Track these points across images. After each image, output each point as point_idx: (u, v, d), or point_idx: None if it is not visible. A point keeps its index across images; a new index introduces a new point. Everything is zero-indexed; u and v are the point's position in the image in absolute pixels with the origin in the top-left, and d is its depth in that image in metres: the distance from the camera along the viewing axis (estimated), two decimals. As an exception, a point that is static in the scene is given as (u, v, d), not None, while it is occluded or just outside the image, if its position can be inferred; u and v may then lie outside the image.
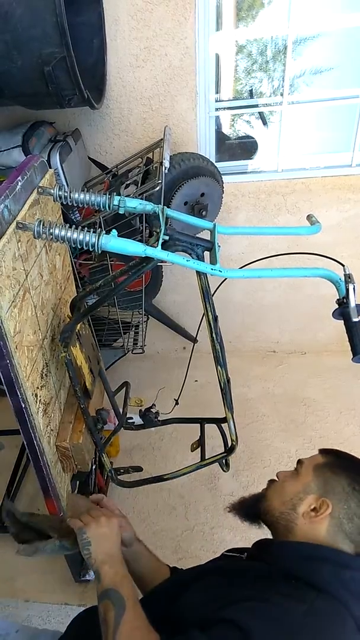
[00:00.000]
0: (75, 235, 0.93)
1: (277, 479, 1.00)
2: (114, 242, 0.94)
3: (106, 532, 0.90)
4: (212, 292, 1.13)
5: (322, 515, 0.86)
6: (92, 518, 0.91)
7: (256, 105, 2.29)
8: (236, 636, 0.69)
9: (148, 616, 0.79)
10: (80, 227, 0.95)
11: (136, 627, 0.78)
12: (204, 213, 1.78)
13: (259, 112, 2.36)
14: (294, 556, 0.86)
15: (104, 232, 0.93)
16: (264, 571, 0.87)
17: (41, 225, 0.92)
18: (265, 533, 0.95)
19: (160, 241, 0.97)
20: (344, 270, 1.01)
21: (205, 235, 1.10)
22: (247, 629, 0.69)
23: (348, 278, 0.98)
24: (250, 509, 1.01)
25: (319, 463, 0.95)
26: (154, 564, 1.06)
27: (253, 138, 2.49)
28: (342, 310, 0.98)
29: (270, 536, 0.96)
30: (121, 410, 1.49)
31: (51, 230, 0.93)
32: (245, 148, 2.53)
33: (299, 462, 0.98)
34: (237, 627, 0.70)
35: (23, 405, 1.03)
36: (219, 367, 1.25)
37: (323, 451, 0.99)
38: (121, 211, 1.10)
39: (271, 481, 1.02)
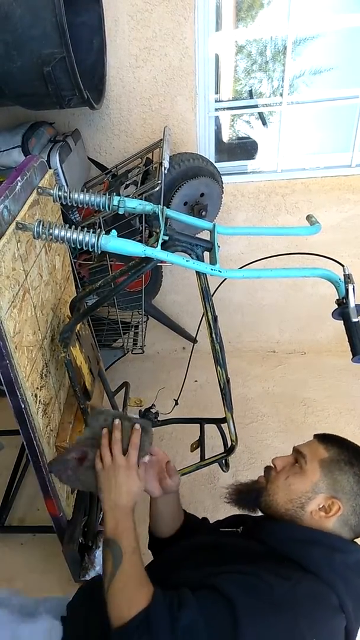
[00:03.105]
0: (74, 236, 0.93)
1: (273, 465, 0.99)
2: (113, 243, 0.94)
3: (116, 484, 0.90)
4: (211, 293, 1.14)
5: (334, 515, 0.88)
6: (110, 464, 0.92)
7: (256, 106, 2.29)
8: (221, 604, 0.74)
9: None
10: (79, 228, 0.95)
11: (131, 577, 0.82)
12: (203, 213, 1.78)
13: (259, 113, 2.36)
14: (288, 539, 0.88)
15: (103, 232, 0.93)
16: (257, 550, 0.89)
17: (41, 226, 0.92)
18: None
19: (160, 241, 0.97)
20: (344, 271, 1.01)
21: (205, 235, 1.10)
22: (232, 598, 0.74)
23: (347, 278, 0.98)
24: (250, 502, 1.01)
25: (325, 458, 0.93)
26: (177, 515, 1.10)
27: (252, 139, 2.50)
28: (342, 310, 0.98)
29: None
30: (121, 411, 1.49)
31: (51, 231, 0.93)
32: (244, 148, 2.54)
33: (299, 453, 0.96)
34: (223, 595, 0.75)
35: (23, 406, 1.03)
36: (218, 368, 1.25)
37: (321, 439, 0.98)
38: (121, 211, 1.10)
39: (268, 468, 1.01)
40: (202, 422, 1.53)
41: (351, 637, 0.81)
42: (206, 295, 1.12)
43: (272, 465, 0.99)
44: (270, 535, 0.91)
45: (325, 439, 0.98)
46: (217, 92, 2.21)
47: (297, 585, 0.78)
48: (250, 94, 2.35)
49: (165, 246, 1.00)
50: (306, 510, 0.90)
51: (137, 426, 0.93)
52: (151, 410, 1.53)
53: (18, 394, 1.01)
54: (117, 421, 0.94)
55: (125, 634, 0.76)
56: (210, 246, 1.04)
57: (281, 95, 2.00)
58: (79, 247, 0.94)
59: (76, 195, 1.09)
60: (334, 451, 0.93)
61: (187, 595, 0.77)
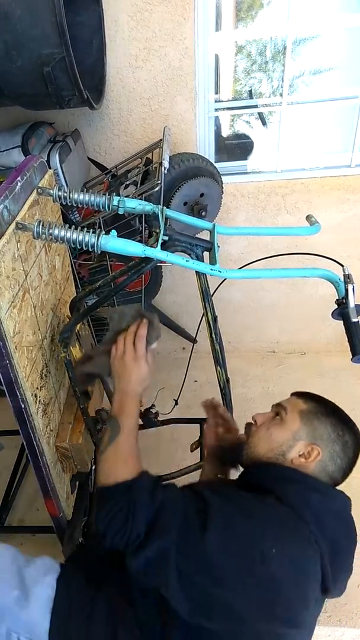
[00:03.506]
0: (74, 236, 0.93)
1: (254, 421, 1.05)
2: (113, 243, 0.94)
3: (125, 371, 0.98)
4: (211, 293, 1.14)
5: (313, 461, 0.94)
6: (123, 353, 0.99)
7: (255, 106, 2.29)
8: (199, 503, 0.85)
9: None
10: (79, 228, 0.95)
11: (124, 450, 0.91)
12: (203, 213, 1.78)
13: (259, 113, 2.36)
14: (270, 475, 0.95)
15: (103, 232, 0.93)
16: (244, 481, 1.00)
17: (41, 226, 0.92)
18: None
19: (160, 241, 0.97)
20: (343, 271, 1.01)
21: (205, 235, 1.10)
22: (209, 501, 0.84)
23: (347, 278, 0.99)
24: (233, 457, 1.08)
25: (304, 409, 1.00)
26: None
27: (249, 138, 2.50)
28: (342, 310, 0.98)
29: None
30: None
31: (50, 231, 0.93)
32: (242, 147, 2.53)
33: (280, 406, 1.03)
34: (202, 497, 0.86)
35: (22, 406, 1.03)
36: (218, 368, 1.25)
37: (300, 395, 1.06)
38: (120, 211, 1.10)
39: (248, 425, 1.07)
40: (202, 422, 1.53)
41: (327, 580, 0.85)
42: (206, 296, 1.12)
43: (252, 421, 1.06)
44: (253, 473, 0.99)
45: (303, 395, 1.05)
46: (217, 92, 2.21)
47: (271, 508, 0.86)
48: (250, 94, 2.35)
49: (165, 246, 1.00)
50: (287, 457, 0.96)
51: (144, 320, 1.03)
52: (151, 410, 1.53)
53: (18, 394, 1.01)
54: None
55: (108, 492, 0.86)
56: (210, 246, 1.04)
57: (281, 95, 2.00)
58: (78, 247, 0.94)
59: (76, 196, 1.09)
60: (312, 404, 1.01)
61: (172, 484, 0.90)
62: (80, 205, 1.11)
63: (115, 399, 0.98)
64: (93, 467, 1.60)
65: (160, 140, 1.77)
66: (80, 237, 0.93)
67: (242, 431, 1.10)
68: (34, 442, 1.10)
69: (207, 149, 2.10)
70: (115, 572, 0.94)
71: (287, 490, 0.89)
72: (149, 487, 0.86)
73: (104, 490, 0.88)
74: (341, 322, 1.00)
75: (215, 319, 1.17)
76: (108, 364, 1.02)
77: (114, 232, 0.94)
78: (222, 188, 1.89)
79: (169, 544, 0.79)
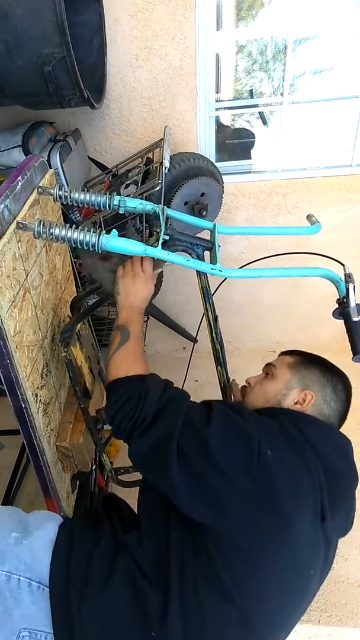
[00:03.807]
0: (75, 235, 0.93)
1: (248, 383, 1.13)
2: (114, 242, 0.94)
3: (134, 288, 1.03)
4: (212, 292, 1.13)
5: (308, 405, 1.00)
6: (131, 273, 1.04)
7: (256, 105, 2.29)
8: (205, 405, 0.91)
9: None
10: (80, 227, 0.95)
11: (135, 353, 0.97)
12: (204, 213, 1.77)
13: (259, 112, 2.36)
14: (269, 412, 0.99)
15: (104, 231, 0.93)
16: None
17: (41, 225, 0.92)
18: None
19: (161, 241, 0.97)
20: (344, 270, 1.01)
21: (206, 235, 1.10)
22: (214, 404, 0.91)
23: (348, 278, 0.99)
24: None
25: (291, 362, 1.08)
26: None
27: (250, 137, 2.49)
28: (342, 310, 0.98)
29: None
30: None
31: (51, 230, 0.93)
32: (243, 147, 2.53)
33: (269, 365, 1.11)
34: (208, 402, 0.93)
35: (23, 405, 1.03)
36: (219, 367, 1.25)
37: (287, 352, 1.14)
38: (121, 211, 1.10)
39: (243, 387, 1.15)
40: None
41: (324, 504, 0.86)
42: (206, 295, 1.12)
43: (246, 384, 1.12)
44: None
45: (289, 351, 1.13)
46: (217, 92, 2.21)
47: (271, 423, 0.92)
48: (251, 94, 2.34)
49: (165, 246, 1.00)
50: (283, 406, 1.02)
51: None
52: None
53: (18, 394, 1.01)
54: None
55: (121, 381, 0.92)
56: (210, 246, 1.04)
57: (282, 94, 2.00)
58: (79, 246, 0.94)
59: (77, 195, 1.09)
60: (299, 357, 1.09)
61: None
62: (80, 205, 1.11)
63: (122, 312, 1.02)
64: (94, 467, 1.60)
65: (161, 139, 1.77)
66: (81, 237, 0.93)
67: None
68: (35, 442, 1.10)
69: (207, 149, 2.10)
70: (115, 521, 1.01)
71: (283, 419, 0.93)
72: (161, 382, 0.94)
73: (117, 380, 0.93)
74: (342, 321, 1.00)
75: (215, 318, 1.17)
76: (112, 281, 1.07)
77: (114, 232, 0.94)
78: (223, 187, 1.89)
79: (173, 428, 0.84)
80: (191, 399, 0.94)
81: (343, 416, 1.04)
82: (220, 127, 2.33)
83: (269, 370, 1.10)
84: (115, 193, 1.12)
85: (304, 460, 0.87)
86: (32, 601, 0.86)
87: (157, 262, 1.07)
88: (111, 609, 0.84)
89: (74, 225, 0.94)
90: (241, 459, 0.83)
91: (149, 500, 1.00)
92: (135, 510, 1.07)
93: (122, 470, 1.46)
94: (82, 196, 1.09)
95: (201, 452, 0.83)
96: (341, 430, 1.03)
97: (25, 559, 0.89)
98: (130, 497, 1.85)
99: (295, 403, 1.01)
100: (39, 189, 1.11)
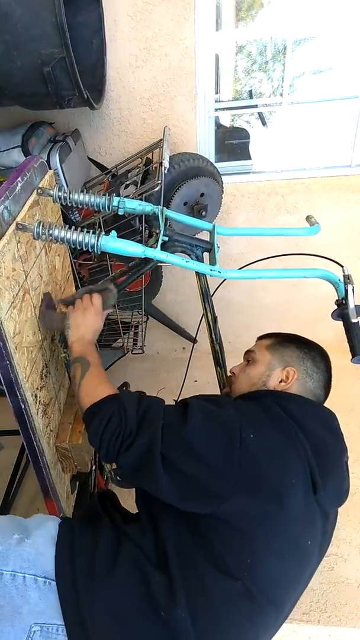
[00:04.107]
0: (74, 237, 0.93)
1: (232, 373, 1.16)
2: (113, 243, 0.94)
3: (85, 322, 1.08)
4: (211, 293, 1.14)
5: (292, 381, 1.04)
6: (81, 307, 1.10)
7: (255, 106, 2.29)
8: (182, 405, 0.93)
9: None
10: (79, 228, 0.95)
11: (99, 377, 0.99)
12: (203, 214, 1.78)
13: (258, 113, 2.36)
14: (254, 395, 1.03)
15: (103, 233, 0.93)
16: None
17: (41, 226, 0.92)
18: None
19: (160, 242, 0.98)
20: (343, 271, 1.01)
21: (205, 235, 1.10)
22: (190, 400, 0.94)
23: (347, 279, 0.99)
24: None
25: (269, 344, 1.12)
26: None
27: (250, 138, 2.49)
28: (341, 311, 0.99)
29: None
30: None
31: (50, 231, 0.93)
32: (242, 147, 2.53)
33: (248, 352, 1.15)
34: (184, 400, 0.95)
35: (23, 406, 1.03)
36: (218, 368, 1.25)
37: (262, 336, 1.18)
38: (120, 212, 1.10)
39: (228, 378, 1.19)
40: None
41: (314, 476, 0.89)
42: (206, 296, 1.12)
43: (230, 374, 1.17)
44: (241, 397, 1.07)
45: (265, 335, 1.18)
46: (217, 92, 2.21)
47: (252, 406, 0.95)
48: (250, 94, 2.35)
49: (164, 247, 1.00)
50: (269, 386, 1.05)
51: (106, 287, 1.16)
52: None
53: (18, 395, 1.01)
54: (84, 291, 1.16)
55: (97, 407, 0.93)
56: (209, 247, 1.04)
57: (281, 95, 2.00)
58: (78, 247, 0.94)
59: (76, 196, 1.09)
60: (274, 338, 1.13)
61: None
62: (80, 206, 1.11)
63: (75, 345, 1.06)
64: (93, 468, 1.60)
65: (161, 140, 1.77)
66: (80, 238, 0.93)
67: None
68: (34, 443, 1.10)
69: (207, 149, 2.10)
70: (114, 514, 1.04)
71: (266, 401, 0.96)
72: (133, 395, 0.97)
73: (92, 406, 0.94)
74: (341, 322, 1.00)
75: (215, 319, 1.17)
76: (61, 319, 1.11)
77: (114, 233, 0.94)
78: (222, 188, 1.89)
79: (154, 436, 0.86)
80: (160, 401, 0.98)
81: (327, 385, 1.08)
82: (217, 126, 2.33)
83: (249, 356, 1.13)
84: (114, 194, 1.12)
85: (289, 435, 0.89)
86: (40, 597, 0.87)
87: (106, 302, 1.13)
88: (120, 593, 0.86)
89: (73, 227, 0.95)
90: (224, 448, 0.85)
91: (144, 490, 1.02)
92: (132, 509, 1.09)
93: (121, 471, 1.46)
94: (81, 197, 1.09)
95: (184, 451, 0.86)
96: (341, 430, 1.04)
97: (29, 556, 0.90)
98: (130, 498, 1.86)
99: (280, 382, 1.05)
100: (39, 190, 1.11)
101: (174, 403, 1.00)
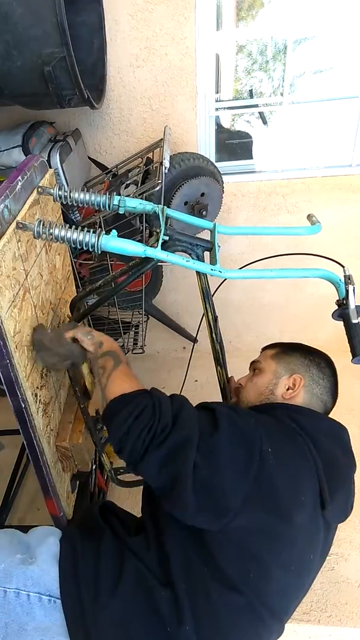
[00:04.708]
0: (75, 236, 0.93)
1: (240, 385, 1.17)
2: (113, 243, 0.94)
3: (102, 336, 1.06)
4: (212, 293, 1.13)
5: (300, 388, 1.05)
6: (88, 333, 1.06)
7: (256, 105, 2.29)
8: (208, 410, 0.93)
9: None
10: (80, 227, 0.95)
11: (129, 372, 0.98)
12: (204, 213, 1.77)
13: (259, 112, 2.36)
14: (263, 408, 1.04)
15: (103, 232, 0.93)
16: None
17: (41, 225, 0.92)
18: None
19: (160, 241, 0.97)
20: (344, 272, 1.01)
21: (205, 235, 1.10)
22: (215, 406, 0.94)
23: (348, 279, 0.98)
24: None
25: (273, 353, 1.14)
26: None
27: (250, 137, 2.49)
28: (342, 311, 0.98)
29: None
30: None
31: (51, 230, 0.93)
32: (243, 147, 2.53)
33: (254, 362, 1.17)
34: (208, 406, 0.96)
35: (23, 405, 1.03)
36: (218, 368, 1.25)
37: (267, 347, 1.20)
38: (121, 211, 1.10)
39: (235, 389, 1.20)
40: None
41: (323, 492, 0.89)
42: (206, 296, 1.12)
43: (237, 385, 1.19)
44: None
45: (269, 346, 1.20)
46: (217, 92, 2.21)
47: (267, 418, 0.95)
48: (251, 94, 2.34)
49: (165, 246, 1.00)
50: (277, 395, 1.06)
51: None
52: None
53: (18, 394, 1.01)
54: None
55: (127, 398, 0.90)
56: (210, 246, 1.03)
57: (282, 94, 2.00)
58: (79, 247, 0.94)
59: (76, 195, 1.09)
60: (279, 347, 1.15)
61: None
62: (80, 205, 1.11)
63: (105, 343, 1.03)
64: (93, 467, 1.60)
65: (161, 139, 1.77)
66: (81, 237, 0.93)
67: None
68: (34, 442, 1.10)
69: (207, 149, 2.10)
70: (117, 527, 1.03)
71: (279, 414, 0.97)
72: (165, 394, 0.95)
73: (122, 396, 0.91)
74: (341, 322, 1.00)
75: (215, 319, 1.17)
76: (77, 349, 1.06)
77: (114, 232, 0.94)
78: (223, 187, 1.89)
79: (190, 437, 0.85)
80: (189, 401, 0.96)
81: (334, 391, 1.10)
82: (217, 126, 2.33)
83: (255, 366, 1.15)
84: (115, 193, 1.12)
85: (302, 450, 0.89)
86: (45, 614, 0.87)
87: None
88: (125, 609, 0.86)
89: (73, 226, 0.94)
90: (243, 461, 0.85)
91: (151, 503, 1.01)
92: (132, 513, 1.09)
93: (121, 470, 1.46)
94: (82, 196, 1.09)
95: (211, 459, 0.84)
96: (351, 445, 1.04)
97: (32, 574, 0.90)
98: (131, 498, 1.87)
99: (287, 389, 1.05)
100: (39, 189, 1.11)
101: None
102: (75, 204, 1.10)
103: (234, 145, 2.54)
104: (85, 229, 0.94)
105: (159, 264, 1.03)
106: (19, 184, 1.02)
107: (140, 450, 0.86)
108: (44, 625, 0.87)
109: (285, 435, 0.91)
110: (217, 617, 0.85)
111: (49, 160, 1.68)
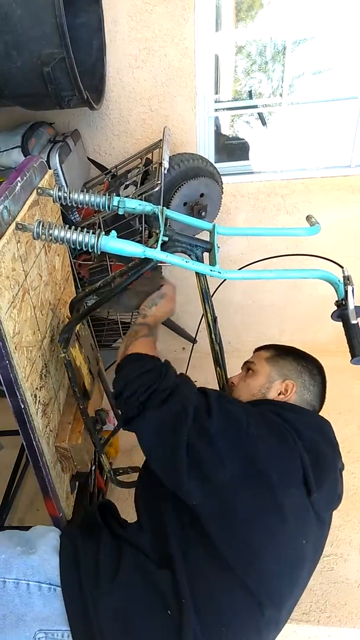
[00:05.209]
0: (74, 236, 0.93)
1: (232, 384, 1.19)
2: (113, 243, 0.94)
3: (173, 299, 1.19)
4: (211, 293, 1.14)
5: (291, 393, 1.07)
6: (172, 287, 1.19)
7: (255, 106, 2.29)
8: (201, 396, 0.97)
9: None
10: (79, 228, 0.95)
11: (152, 346, 1.05)
12: (203, 214, 1.78)
13: (258, 113, 2.36)
14: (252, 402, 1.06)
15: (103, 233, 0.93)
16: None
17: (40, 226, 0.92)
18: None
19: (160, 242, 0.97)
20: (343, 272, 1.01)
21: (205, 236, 1.10)
22: (208, 391, 0.99)
23: (347, 280, 0.99)
24: None
25: (268, 356, 1.15)
26: None
27: (249, 138, 2.49)
28: (341, 312, 0.98)
29: None
30: (120, 411, 1.48)
31: (50, 231, 0.93)
32: (242, 147, 2.53)
33: (248, 362, 1.18)
34: (203, 390, 1.01)
35: (22, 406, 1.03)
36: (218, 368, 1.25)
37: (261, 348, 1.21)
38: (120, 212, 1.10)
39: (229, 387, 1.22)
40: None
41: (309, 482, 0.91)
42: (206, 296, 1.12)
43: (230, 384, 1.21)
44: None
45: (263, 347, 1.21)
46: (216, 93, 2.21)
47: (254, 408, 0.99)
48: (250, 95, 2.35)
49: (164, 247, 1.00)
50: (268, 398, 1.08)
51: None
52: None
53: (17, 395, 1.01)
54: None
55: (142, 357, 0.99)
56: (209, 247, 1.04)
57: (281, 95, 2.00)
58: (78, 247, 0.94)
59: (76, 196, 1.09)
60: (273, 350, 1.17)
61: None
62: (80, 206, 1.11)
63: (152, 316, 1.12)
64: (93, 468, 1.60)
65: (160, 140, 1.77)
66: (80, 238, 0.93)
67: None
68: (34, 443, 1.10)
69: (207, 149, 2.10)
70: (112, 523, 1.07)
71: (264, 408, 1.01)
72: (174, 369, 1.02)
73: (140, 354, 1.00)
74: (340, 323, 1.00)
75: (215, 319, 1.17)
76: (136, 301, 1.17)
77: (113, 233, 0.94)
78: (222, 188, 1.89)
79: (188, 406, 0.91)
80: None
81: (322, 397, 1.13)
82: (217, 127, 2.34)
83: (249, 367, 1.16)
84: (114, 194, 1.12)
85: (285, 440, 0.92)
86: (44, 603, 0.88)
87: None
88: (125, 595, 0.87)
89: (73, 227, 0.94)
90: (233, 440, 0.90)
91: (145, 487, 1.05)
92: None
93: (121, 471, 1.46)
94: (81, 197, 1.09)
95: (201, 432, 0.89)
96: (336, 439, 1.07)
97: (33, 563, 0.91)
98: (130, 498, 1.86)
99: (279, 394, 1.08)
100: (38, 190, 1.11)
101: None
102: (74, 205, 1.10)
103: (233, 145, 2.54)
104: (85, 229, 0.95)
105: (158, 264, 1.04)
106: (19, 184, 1.02)
107: (136, 403, 0.94)
108: (42, 614, 0.87)
109: (268, 426, 0.95)
110: (213, 595, 0.87)
111: (48, 161, 1.68)
